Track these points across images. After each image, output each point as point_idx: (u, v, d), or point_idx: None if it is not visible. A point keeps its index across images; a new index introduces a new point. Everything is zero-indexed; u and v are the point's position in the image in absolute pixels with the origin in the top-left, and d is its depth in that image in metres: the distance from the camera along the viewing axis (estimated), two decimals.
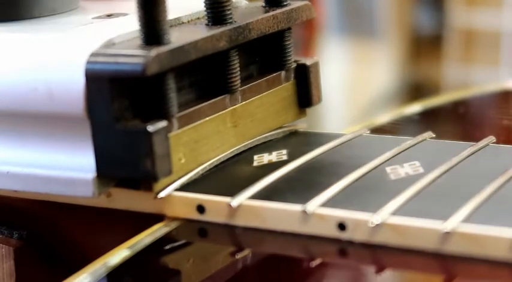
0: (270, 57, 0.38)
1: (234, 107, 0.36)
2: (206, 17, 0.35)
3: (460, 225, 0.29)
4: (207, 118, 0.35)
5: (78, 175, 0.33)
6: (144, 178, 0.33)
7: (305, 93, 0.39)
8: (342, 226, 0.31)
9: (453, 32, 1.63)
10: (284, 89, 0.39)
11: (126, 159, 0.32)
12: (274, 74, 0.38)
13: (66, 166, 0.34)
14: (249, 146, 0.37)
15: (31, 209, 0.38)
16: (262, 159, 0.36)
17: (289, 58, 0.39)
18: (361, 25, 1.68)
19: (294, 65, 0.39)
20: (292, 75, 0.39)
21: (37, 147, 0.35)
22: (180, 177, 0.34)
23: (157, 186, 0.33)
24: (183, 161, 0.34)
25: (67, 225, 0.38)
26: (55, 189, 0.34)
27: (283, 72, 0.39)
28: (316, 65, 0.39)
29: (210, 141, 0.35)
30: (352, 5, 1.69)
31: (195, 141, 0.34)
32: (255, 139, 0.37)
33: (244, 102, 0.37)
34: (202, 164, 0.35)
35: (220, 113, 0.36)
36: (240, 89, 0.36)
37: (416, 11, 1.76)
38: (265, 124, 0.38)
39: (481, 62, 1.60)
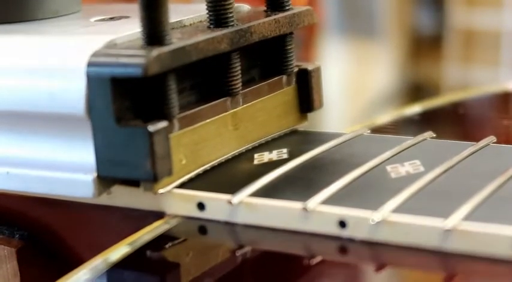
0: (271, 61, 0.39)
1: (235, 109, 0.36)
2: (208, 20, 0.36)
3: (460, 223, 0.29)
4: (208, 120, 0.35)
5: (78, 176, 0.34)
6: (144, 179, 0.33)
7: (306, 98, 0.39)
8: (342, 223, 0.31)
9: (453, 32, 1.63)
10: (285, 93, 0.39)
11: (127, 160, 0.32)
12: (276, 78, 0.38)
13: (66, 167, 0.34)
14: (250, 148, 0.37)
15: (31, 209, 0.38)
16: (262, 157, 0.36)
17: (291, 63, 0.39)
18: (361, 25, 1.68)
19: (295, 70, 0.39)
20: (294, 79, 0.39)
21: (37, 147, 0.35)
22: (180, 178, 0.34)
23: (157, 186, 0.33)
24: (184, 162, 0.34)
25: (67, 223, 0.38)
26: (55, 190, 0.34)
27: (284, 77, 0.39)
28: (317, 70, 0.40)
29: (211, 143, 0.35)
30: (352, 5, 1.70)
31: (196, 143, 0.34)
32: (255, 142, 0.37)
33: (245, 105, 0.37)
34: (203, 165, 0.35)
35: (221, 115, 0.36)
36: (241, 92, 0.36)
37: (416, 11, 1.76)
38: (266, 128, 0.38)
39: (481, 62, 1.60)
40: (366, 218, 0.30)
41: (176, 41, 0.33)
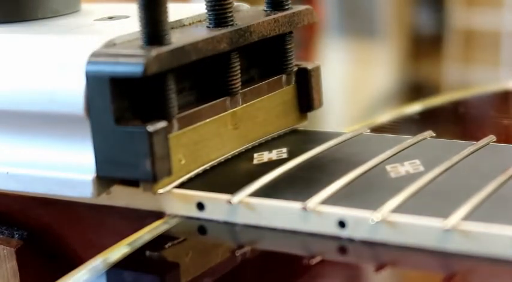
0: (271, 60, 0.39)
1: (235, 109, 0.36)
2: (207, 19, 0.36)
3: (460, 223, 0.29)
4: (208, 120, 0.35)
5: (77, 176, 0.34)
6: (143, 179, 0.33)
7: (306, 97, 0.39)
8: (342, 223, 0.31)
9: (453, 32, 1.63)
10: (285, 92, 0.39)
11: (126, 160, 0.32)
12: (275, 78, 0.38)
13: (65, 167, 0.34)
14: (250, 148, 0.37)
15: (31, 209, 0.38)
16: (262, 157, 0.36)
17: (291, 62, 0.39)
18: (361, 25, 1.68)
19: (295, 69, 0.39)
20: (293, 79, 0.39)
21: (37, 147, 0.35)
22: (180, 178, 0.34)
23: (157, 186, 0.33)
24: (183, 162, 0.34)
25: (66, 223, 0.38)
26: (54, 190, 0.34)
27: (284, 76, 0.39)
28: (317, 69, 0.39)
29: (210, 143, 0.35)
30: (352, 5, 1.70)
31: (196, 143, 0.34)
32: (255, 142, 0.37)
33: (245, 105, 0.37)
34: (203, 165, 0.35)
35: (221, 115, 0.36)
36: (240, 91, 0.36)
37: (416, 11, 1.76)
38: (266, 127, 0.38)
39: (481, 62, 1.61)
40: (366, 218, 0.30)
41: (175, 40, 0.33)
